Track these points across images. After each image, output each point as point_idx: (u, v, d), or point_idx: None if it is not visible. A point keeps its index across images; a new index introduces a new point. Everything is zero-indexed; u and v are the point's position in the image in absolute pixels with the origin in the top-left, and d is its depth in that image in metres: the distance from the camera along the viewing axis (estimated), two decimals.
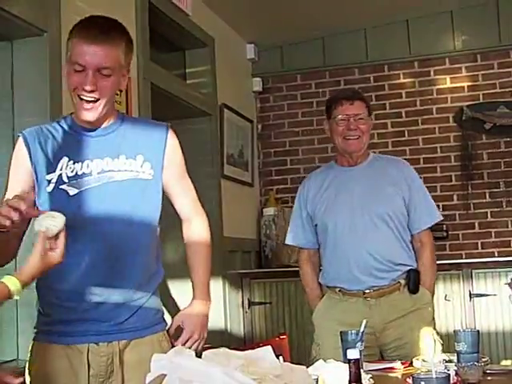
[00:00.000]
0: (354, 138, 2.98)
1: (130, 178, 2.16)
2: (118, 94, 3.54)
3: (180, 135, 5.09)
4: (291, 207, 5.34)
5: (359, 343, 2.28)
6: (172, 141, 2.28)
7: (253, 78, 5.71)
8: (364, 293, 2.93)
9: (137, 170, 2.17)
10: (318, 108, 5.59)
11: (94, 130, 2.18)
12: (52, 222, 1.81)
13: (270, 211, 5.41)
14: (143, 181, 2.18)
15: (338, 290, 2.99)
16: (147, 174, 2.18)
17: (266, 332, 4.92)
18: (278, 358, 1.89)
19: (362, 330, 2.33)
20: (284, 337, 2.99)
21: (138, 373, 1.99)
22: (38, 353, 2.16)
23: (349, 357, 1.69)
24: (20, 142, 2.15)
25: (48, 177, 2.12)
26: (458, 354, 2.26)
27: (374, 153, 3.23)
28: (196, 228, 2.35)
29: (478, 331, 2.33)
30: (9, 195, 2.03)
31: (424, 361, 2.43)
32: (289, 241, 3.26)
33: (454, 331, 2.31)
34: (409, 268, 2.99)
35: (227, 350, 1.80)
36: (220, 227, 4.78)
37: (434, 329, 2.98)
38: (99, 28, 2.09)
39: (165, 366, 1.65)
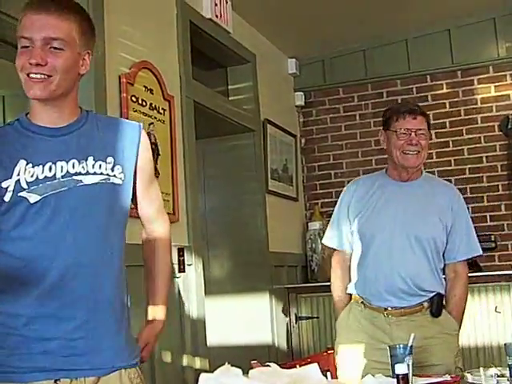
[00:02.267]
0: (414, 153, 2.92)
1: (101, 182, 1.89)
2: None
3: (224, 152, 5.14)
4: None
5: (408, 357, 2.25)
6: (145, 143, 2.04)
7: (295, 92, 5.73)
8: (385, 309, 2.92)
9: (107, 173, 1.91)
10: (361, 121, 5.59)
11: (55, 129, 1.90)
12: None
13: (315, 225, 5.40)
14: (114, 185, 1.92)
15: (360, 301, 2.98)
16: (118, 178, 1.93)
17: (314, 346, 4.89)
18: (325, 373, 1.89)
19: (410, 344, 2.31)
20: (332, 351, 2.97)
21: None
22: None
23: (397, 372, 1.67)
24: None
25: (4, 184, 1.81)
26: (510, 367, 2.23)
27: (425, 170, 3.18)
28: (158, 228, 2.12)
29: None
30: None
31: (475, 375, 2.39)
32: (325, 241, 3.23)
33: (505, 344, 2.27)
34: (434, 293, 2.93)
35: (275, 366, 1.80)
36: (265, 242, 4.79)
37: (457, 357, 2.92)
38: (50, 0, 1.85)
39: None
